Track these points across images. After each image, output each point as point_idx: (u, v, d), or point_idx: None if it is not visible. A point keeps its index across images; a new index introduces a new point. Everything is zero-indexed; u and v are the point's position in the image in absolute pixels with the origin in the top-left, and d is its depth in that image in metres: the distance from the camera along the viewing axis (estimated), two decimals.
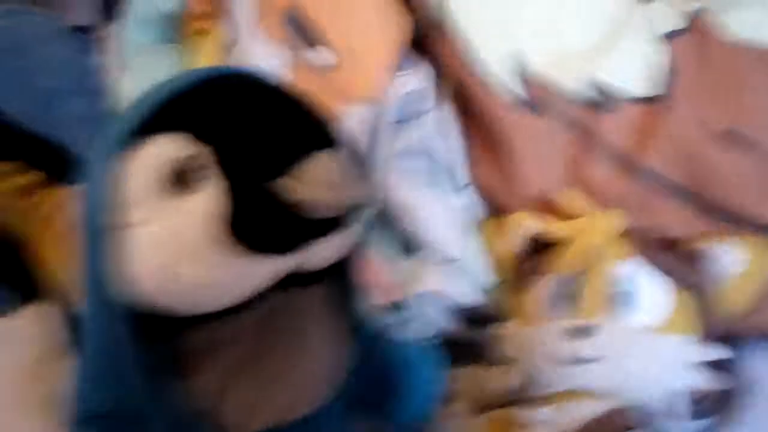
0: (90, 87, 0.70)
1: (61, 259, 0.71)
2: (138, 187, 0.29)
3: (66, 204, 0.72)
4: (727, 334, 0.51)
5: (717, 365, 0.48)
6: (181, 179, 0.29)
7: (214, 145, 0.29)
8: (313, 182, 0.28)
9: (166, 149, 0.29)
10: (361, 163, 0.33)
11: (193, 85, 0.31)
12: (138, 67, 0.59)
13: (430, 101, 0.60)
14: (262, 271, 0.30)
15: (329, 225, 0.30)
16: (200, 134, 0.29)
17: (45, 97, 0.72)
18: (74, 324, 0.68)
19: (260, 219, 0.28)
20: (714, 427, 0.50)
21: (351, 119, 0.55)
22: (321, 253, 0.32)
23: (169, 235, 0.29)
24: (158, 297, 0.30)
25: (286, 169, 0.28)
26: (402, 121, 0.59)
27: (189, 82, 0.31)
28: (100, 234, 0.30)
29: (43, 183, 0.73)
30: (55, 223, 0.72)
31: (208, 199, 0.28)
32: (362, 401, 0.43)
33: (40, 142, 0.74)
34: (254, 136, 0.29)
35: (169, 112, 0.30)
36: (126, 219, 0.29)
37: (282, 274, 0.31)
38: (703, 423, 0.51)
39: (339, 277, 0.38)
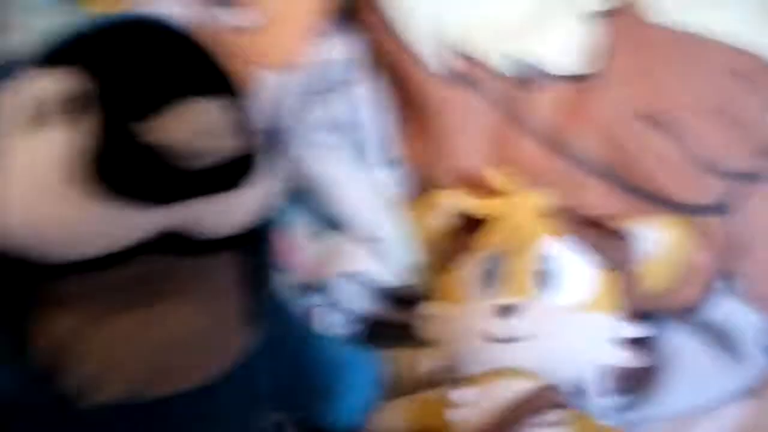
0: None
1: None
2: (8, 118, 0.28)
3: None
4: (646, 312, 0.51)
5: (638, 343, 0.48)
6: (61, 112, 0.27)
7: (100, 80, 0.28)
8: (179, 128, 0.26)
9: (45, 82, 0.28)
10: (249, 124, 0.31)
11: (98, 27, 0.30)
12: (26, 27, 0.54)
13: (358, 72, 0.57)
14: (131, 221, 0.28)
15: (213, 183, 0.29)
16: (91, 70, 0.28)
17: None
18: None
19: (128, 164, 0.27)
20: (632, 404, 0.51)
21: (265, 85, 0.52)
22: (213, 216, 0.30)
23: (25, 167, 0.27)
24: (12, 233, 0.28)
25: (155, 112, 0.26)
26: (325, 91, 0.56)
27: (96, 25, 0.30)
28: None
29: None
30: None
31: (70, 134, 0.27)
32: (279, 395, 0.39)
33: None
34: (137, 76, 0.28)
35: (66, 49, 0.29)
36: None
37: (158, 231, 0.29)
38: (623, 400, 0.51)
39: (249, 252, 0.36)
